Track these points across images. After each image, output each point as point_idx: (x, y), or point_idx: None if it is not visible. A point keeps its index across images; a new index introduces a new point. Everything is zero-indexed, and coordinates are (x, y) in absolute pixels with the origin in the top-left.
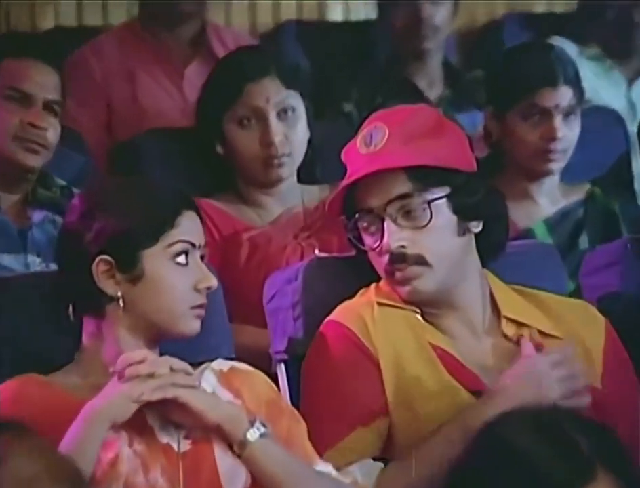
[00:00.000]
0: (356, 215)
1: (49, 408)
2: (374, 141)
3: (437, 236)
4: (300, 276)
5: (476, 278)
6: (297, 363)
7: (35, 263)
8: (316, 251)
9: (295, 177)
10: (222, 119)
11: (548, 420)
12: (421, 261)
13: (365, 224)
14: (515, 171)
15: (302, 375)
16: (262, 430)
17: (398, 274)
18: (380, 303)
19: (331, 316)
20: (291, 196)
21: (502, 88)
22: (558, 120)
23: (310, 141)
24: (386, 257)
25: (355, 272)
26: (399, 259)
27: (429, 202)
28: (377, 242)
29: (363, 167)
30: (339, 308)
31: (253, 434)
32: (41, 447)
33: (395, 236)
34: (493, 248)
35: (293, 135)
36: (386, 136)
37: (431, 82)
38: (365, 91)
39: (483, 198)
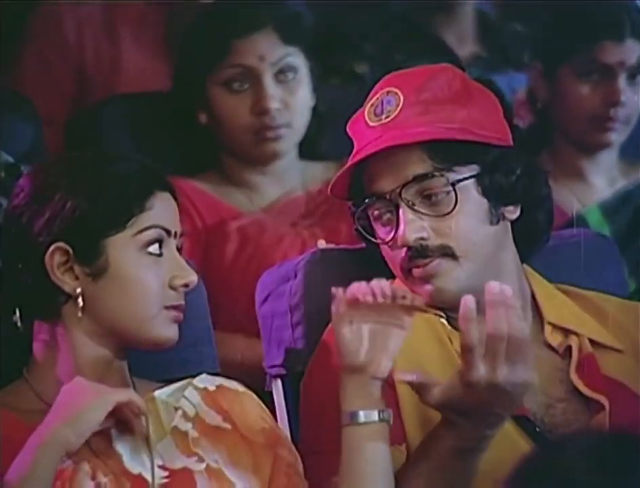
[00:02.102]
0: (366, 201)
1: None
2: (385, 111)
3: (465, 225)
4: (300, 273)
5: (513, 277)
6: (296, 379)
7: None
8: (320, 243)
9: (295, 153)
10: (205, 81)
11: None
12: (447, 251)
13: (377, 212)
14: (563, 144)
15: (301, 393)
16: (389, 415)
17: (417, 271)
18: None
19: None
20: (289, 176)
21: (553, 38)
22: (621, 81)
23: (314, 110)
24: (403, 252)
25: (367, 268)
26: (419, 254)
27: (453, 184)
28: (392, 234)
29: (371, 142)
30: None
31: (376, 414)
32: None
33: (413, 226)
34: (534, 239)
35: (293, 101)
36: (400, 104)
37: (461, 36)
38: (382, 48)
39: (519, 177)
